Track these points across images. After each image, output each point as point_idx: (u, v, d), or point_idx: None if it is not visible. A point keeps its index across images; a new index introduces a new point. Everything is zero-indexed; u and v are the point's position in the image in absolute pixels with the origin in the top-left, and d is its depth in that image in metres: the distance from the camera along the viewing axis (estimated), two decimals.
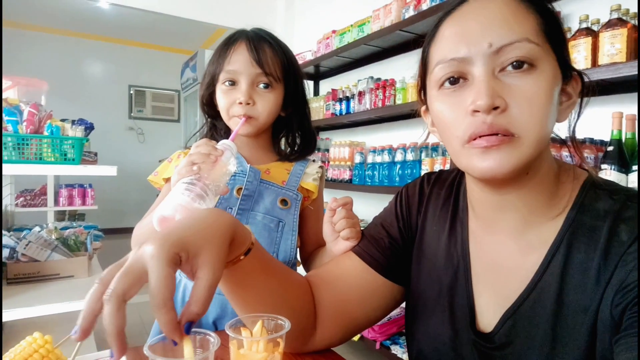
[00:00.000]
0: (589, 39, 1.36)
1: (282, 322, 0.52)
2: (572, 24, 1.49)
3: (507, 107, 0.47)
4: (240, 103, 0.83)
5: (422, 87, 0.59)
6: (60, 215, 3.92)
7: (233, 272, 0.52)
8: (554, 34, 0.50)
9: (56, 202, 3.48)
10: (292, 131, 0.96)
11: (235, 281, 0.54)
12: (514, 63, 0.47)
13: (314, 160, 0.99)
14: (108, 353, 0.60)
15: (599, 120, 1.36)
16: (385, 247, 0.68)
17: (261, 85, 0.85)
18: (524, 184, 0.53)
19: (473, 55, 0.49)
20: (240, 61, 0.84)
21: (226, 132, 0.96)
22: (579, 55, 1.37)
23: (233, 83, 0.85)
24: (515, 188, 0.53)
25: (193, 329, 0.41)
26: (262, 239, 0.86)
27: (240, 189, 0.87)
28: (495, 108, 0.47)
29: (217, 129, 0.97)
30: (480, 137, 0.48)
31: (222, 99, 0.87)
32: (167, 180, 0.89)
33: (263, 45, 0.85)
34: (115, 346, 0.37)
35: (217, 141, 0.92)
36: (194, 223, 0.45)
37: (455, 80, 0.51)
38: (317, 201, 0.96)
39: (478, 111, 0.47)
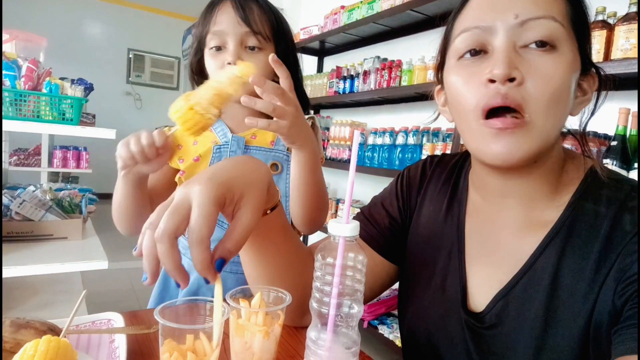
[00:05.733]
0: (604, 32, 1.33)
1: (283, 295, 0.51)
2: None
3: (523, 81, 0.47)
4: (229, 64, 0.79)
5: (441, 64, 0.58)
6: (53, 177, 3.89)
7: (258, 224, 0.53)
8: (579, 23, 0.49)
9: (50, 164, 3.46)
10: None
11: (257, 234, 0.55)
12: (537, 41, 0.47)
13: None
14: (105, 316, 0.60)
15: (605, 114, 1.35)
16: (385, 226, 0.68)
17: (250, 46, 0.81)
18: (530, 172, 0.53)
19: (497, 24, 0.48)
20: (226, 21, 0.80)
21: None
22: (592, 48, 1.35)
23: (220, 48, 0.81)
24: (522, 175, 0.53)
25: (207, 298, 0.42)
26: None
27: None
28: (512, 80, 0.46)
29: None
30: (493, 113, 0.47)
31: (210, 63, 0.83)
32: None
33: (250, 3, 0.81)
34: (178, 278, 0.40)
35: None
36: (237, 166, 0.46)
37: (475, 52, 0.50)
38: None
39: (494, 81, 0.47)
